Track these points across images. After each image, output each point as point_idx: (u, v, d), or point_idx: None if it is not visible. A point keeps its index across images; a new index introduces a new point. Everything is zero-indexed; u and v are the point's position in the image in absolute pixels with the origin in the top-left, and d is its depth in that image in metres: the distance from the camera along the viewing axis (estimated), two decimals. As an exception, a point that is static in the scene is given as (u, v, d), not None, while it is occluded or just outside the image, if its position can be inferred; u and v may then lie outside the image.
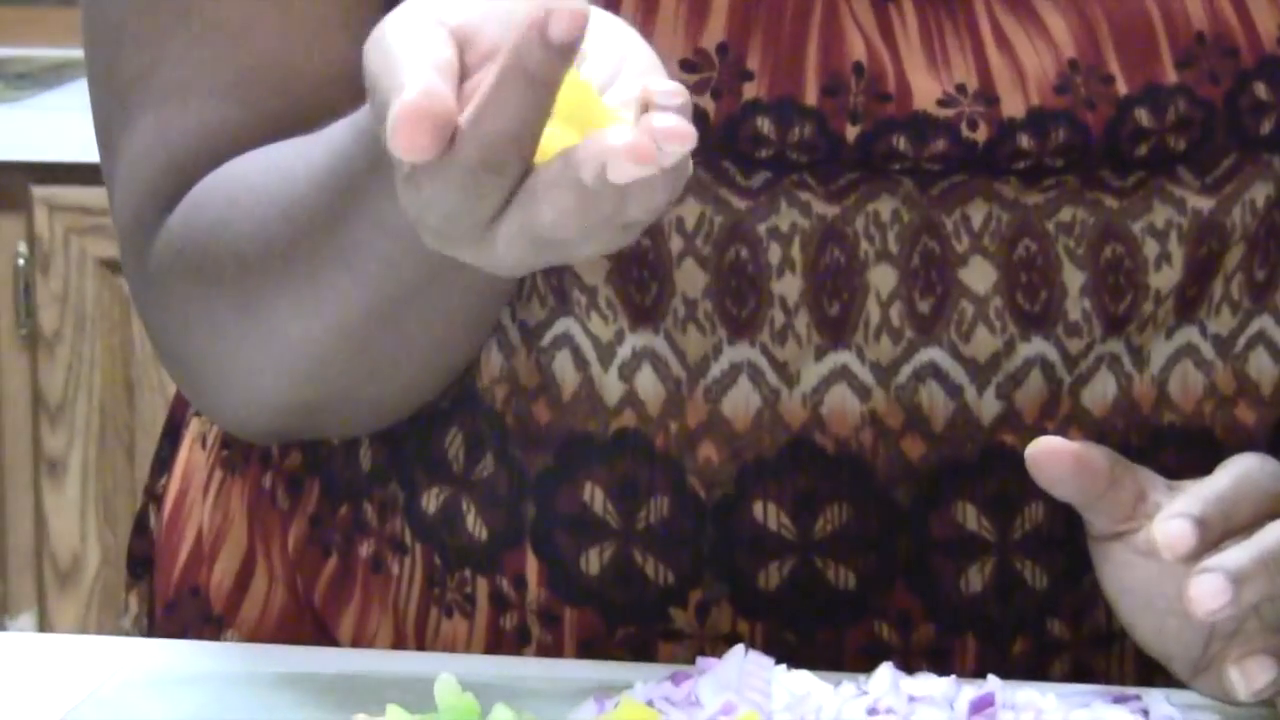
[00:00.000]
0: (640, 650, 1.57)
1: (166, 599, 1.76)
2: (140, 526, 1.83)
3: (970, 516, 1.59)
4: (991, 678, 1.37)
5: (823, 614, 1.57)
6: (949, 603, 1.59)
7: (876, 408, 1.58)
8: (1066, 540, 1.58)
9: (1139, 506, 1.45)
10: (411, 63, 1.20)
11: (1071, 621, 1.60)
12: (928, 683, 1.35)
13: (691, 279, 1.57)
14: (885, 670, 1.35)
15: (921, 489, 1.60)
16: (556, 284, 1.56)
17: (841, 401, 1.58)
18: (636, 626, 1.58)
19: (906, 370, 1.58)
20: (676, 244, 1.56)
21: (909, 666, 1.43)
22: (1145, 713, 1.36)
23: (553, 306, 1.58)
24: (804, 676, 1.33)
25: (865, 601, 1.58)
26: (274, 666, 1.49)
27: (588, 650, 1.57)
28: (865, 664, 1.45)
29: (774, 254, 1.57)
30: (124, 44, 1.64)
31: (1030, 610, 1.59)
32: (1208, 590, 1.31)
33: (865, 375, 1.57)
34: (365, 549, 1.65)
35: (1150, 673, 1.52)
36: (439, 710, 1.26)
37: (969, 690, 1.34)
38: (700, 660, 1.37)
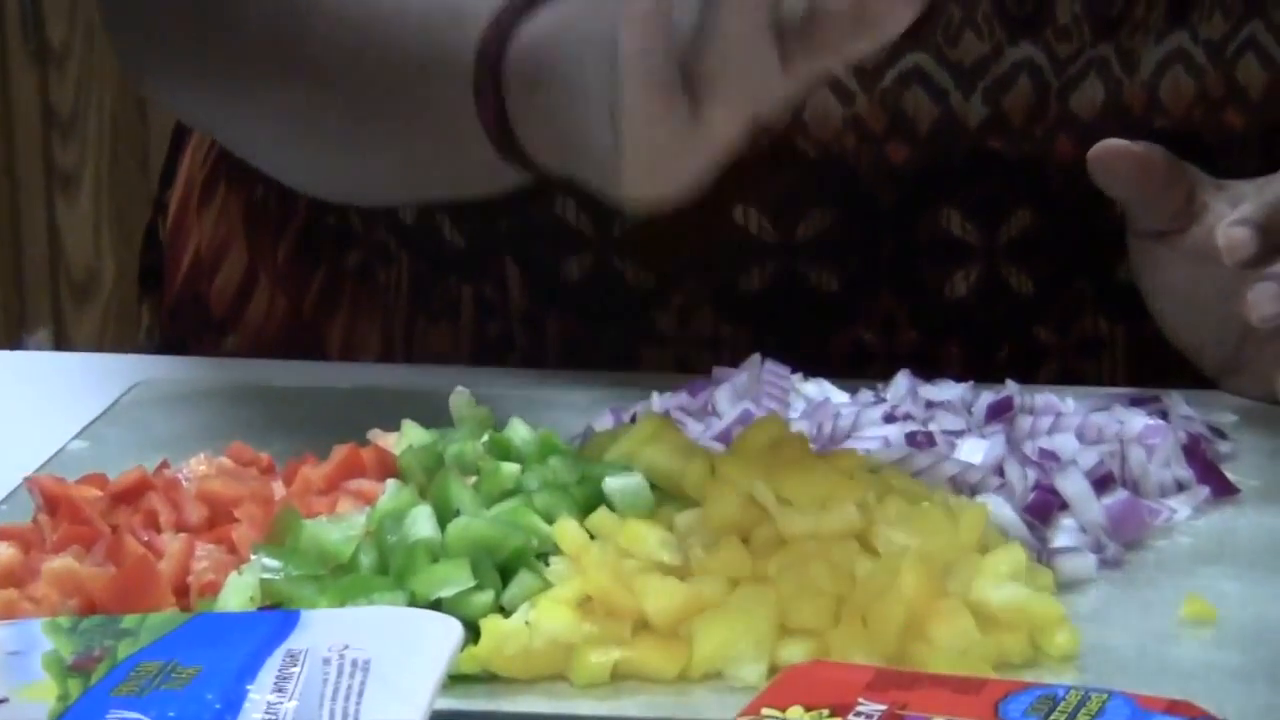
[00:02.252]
0: (623, 356, 1.61)
1: (170, 305, 1.78)
2: (150, 238, 1.85)
3: (955, 222, 1.64)
4: (1010, 382, 1.38)
5: (806, 318, 1.63)
6: (934, 308, 1.64)
7: (860, 112, 1.59)
8: (1054, 246, 1.65)
9: (1188, 207, 1.50)
10: None
11: (1058, 328, 1.66)
12: (945, 388, 1.39)
13: None
14: (902, 377, 1.40)
15: (905, 194, 1.64)
16: None
17: (824, 105, 1.59)
18: (619, 331, 1.63)
19: (891, 74, 1.59)
20: None
21: (891, 372, 1.45)
22: (1164, 414, 1.35)
23: None
24: (821, 384, 1.35)
25: (849, 306, 1.63)
26: (287, 380, 1.51)
27: (572, 357, 1.60)
28: (850, 369, 1.51)
29: None
30: None
31: (1016, 316, 1.65)
32: (1267, 295, 1.35)
33: (848, 80, 1.57)
34: (353, 258, 1.70)
35: (1139, 380, 1.55)
36: (456, 423, 1.27)
37: (987, 395, 1.38)
38: (716, 371, 1.39)
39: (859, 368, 1.54)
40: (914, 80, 1.62)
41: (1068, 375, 1.61)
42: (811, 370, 1.41)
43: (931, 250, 1.64)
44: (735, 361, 1.44)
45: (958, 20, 1.62)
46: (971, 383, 1.39)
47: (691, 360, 1.56)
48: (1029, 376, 1.53)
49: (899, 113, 1.62)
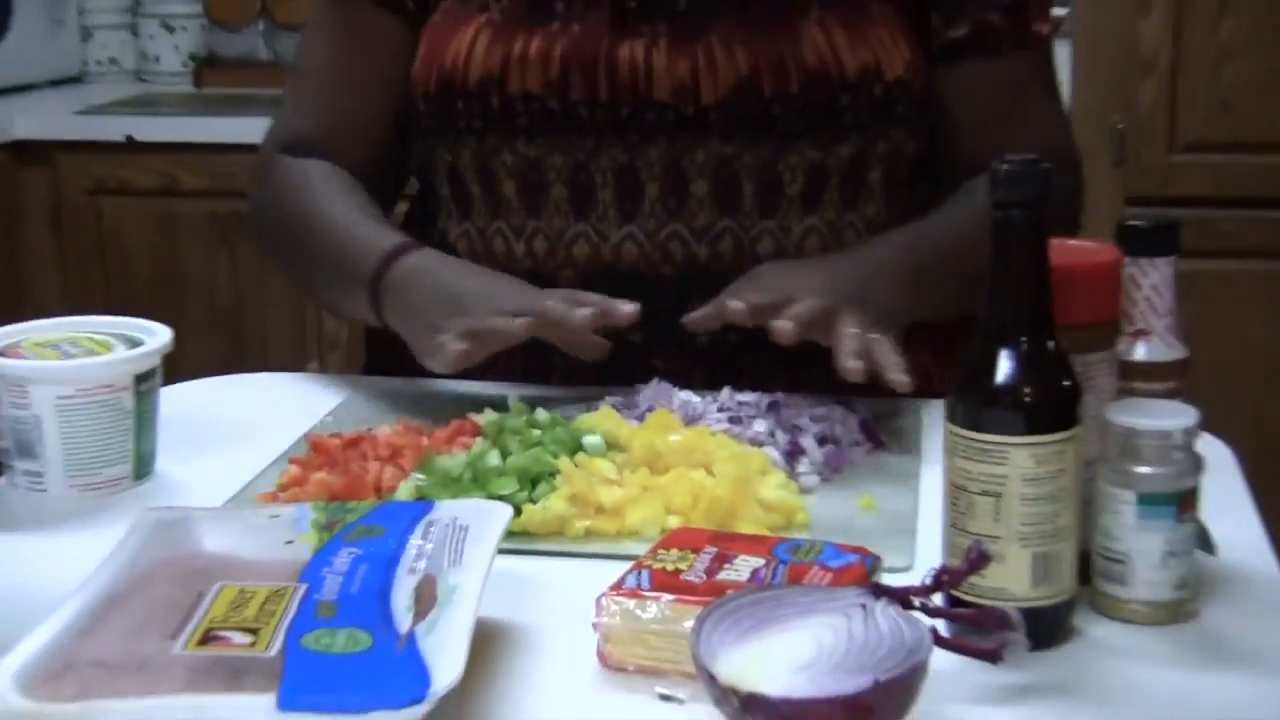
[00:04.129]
0: (600, 379, 1.43)
1: (367, 361, 1.67)
2: None
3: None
4: (780, 393, 1.32)
5: (684, 367, 1.45)
6: (719, 357, 1.46)
7: (645, 251, 1.46)
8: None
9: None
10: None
11: (777, 361, 1.42)
12: (746, 395, 1.32)
13: None
14: (726, 391, 1.32)
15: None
16: None
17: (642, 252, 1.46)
18: (600, 369, 1.42)
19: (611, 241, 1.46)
20: None
21: (719, 386, 1.35)
22: (852, 407, 1.32)
23: None
24: (687, 393, 1.32)
25: (695, 363, 1.46)
26: (429, 389, 1.46)
27: (574, 378, 1.45)
28: (699, 386, 1.37)
29: None
30: (299, 58, 1.63)
31: (762, 357, 1.42)
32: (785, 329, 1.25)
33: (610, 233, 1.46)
34: None
35: (837, 392, 1.36)
36: (511, 411, 1.26)
37: (766, 397, 1.31)
38: (640, 387, 1.34)
39: (702, 386, 1.35)
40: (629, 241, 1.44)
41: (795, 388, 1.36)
42: (682, 385, 1.34)
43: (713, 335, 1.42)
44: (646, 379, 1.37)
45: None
46: (760, 393, 1.31)
47: (629, 379, 1.39)
48: (771, 386, 1.35)
49: (666, 253, 1.45)
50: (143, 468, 1.28)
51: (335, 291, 1.49)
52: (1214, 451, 1.23)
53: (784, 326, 1.26)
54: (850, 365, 1.24)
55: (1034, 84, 1.53)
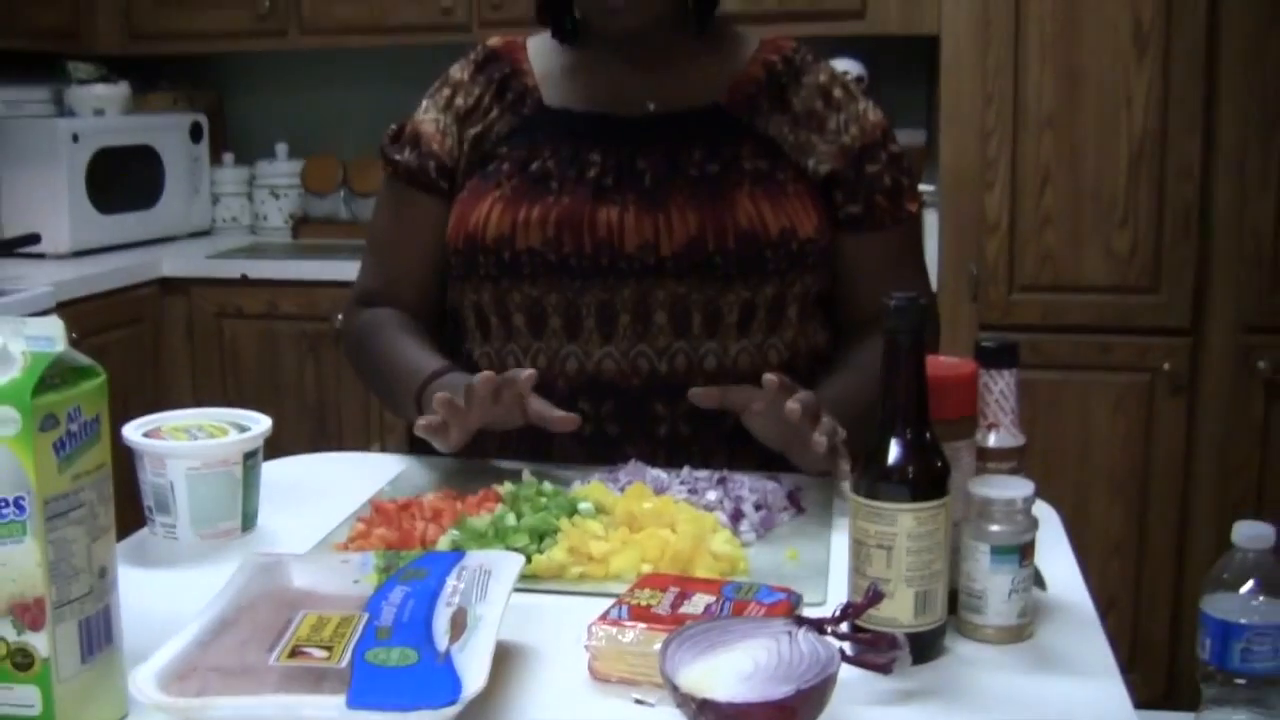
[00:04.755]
0: (594, 459, 1.40)
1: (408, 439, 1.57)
2: None
3: (680, 415, 1.42)
4: (727, 471, 1.30)
5: (652, 450, 1.42)
6: (677, 440, 1.43)
7: (619, 366, 1.42)
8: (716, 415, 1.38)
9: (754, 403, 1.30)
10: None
11: (728, 442, 1.42)
12: (701, 472, 1.30)
13: None
14: (687, 469, 1.31)
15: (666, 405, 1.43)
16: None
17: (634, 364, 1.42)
18: (593, 451, 1.42)
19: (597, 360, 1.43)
20: None
21: (682, 464, 1.33)
22: (779, 481, 1.28)
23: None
24: (656, 470, 1.30)
25: (662, 450, 1.43)
26: (460, 465, 1.42)
27: (571, 458, 1.42)
28: (664, 463, 1.35)
29: None
30: (370, 229, 1.60)
31: (711, 440, 1.42)
32: (795, 409, 1.21)
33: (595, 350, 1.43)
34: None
35: (768, 467, 1.36)
36: (524, 483, 1.24)
37: (716, 474, 1.30)
38: (622, 465, 1.32)
39: (664, 464, 1.33)
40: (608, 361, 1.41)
41: (731, 465, 1.36)
42: (649, 464, 1.32)
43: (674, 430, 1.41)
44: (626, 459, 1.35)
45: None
46: (711, 471, 1.30)
47: (609, 460, 1.37)
48: (714, 463, 1.36)
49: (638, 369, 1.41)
50: (248, 522, 1.27)
51: (394, 401, 1.49)
52: (1045, 513, 1.24)
53: (794, 407, 1.23)
54: (820, 440, 1.23)
55: (906, 250, 1.52)
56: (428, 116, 1.55)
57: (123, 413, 1.05)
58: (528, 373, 1.30)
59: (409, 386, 1.43)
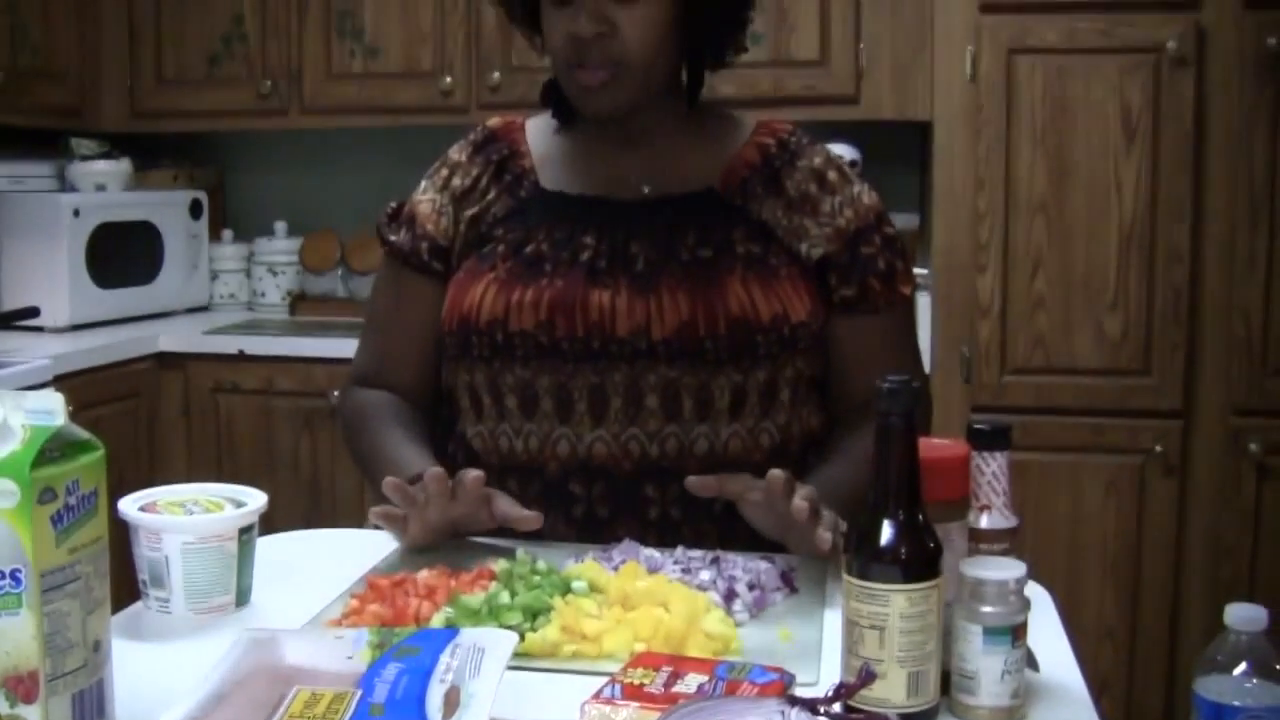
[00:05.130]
0: (587, 539, 1.41)
1: None
2: None
3: (669, 503, 1.43)
4: (720, 551, 1.29)
5: (645, 533, 1.41)
6: (669, 524, 1.43)
7: (610, 452, 1.43)
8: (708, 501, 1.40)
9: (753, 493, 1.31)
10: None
11: (721, 528, 1.42)
12: (694, 552, 1.29)
13: None
14: (680, 549, 1.30)
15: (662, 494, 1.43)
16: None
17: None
18: (587, 534, 1.42)
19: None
20: None
21: (675, 544, 1.33)
22: (773, 561, 1.27)
23: None
24: (649, 549, 1.30)
25: (654, 532, 1.43)
26: (454, 543, 1.40)
27: (566, 538, 1.42)
28: (656, 544, 1.34)
29: None
30: (368, 309, 1.61)
31: (704, 525, 1.42)
32: (802, 508, 1.23)
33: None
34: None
35: (758, 548, 1.35)
36: (518, 560, 1.24)
37: (709, 553, 1.29)
38: (615, 545, 1.31)
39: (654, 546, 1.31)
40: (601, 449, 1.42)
41: (723, 547, 1.32)
42: (645, 543, 1.32)
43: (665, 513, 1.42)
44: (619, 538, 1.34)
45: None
46: (705, 551, 1.28)
47: (600, 541, 1.37)
48: (703, 545, 1.34)
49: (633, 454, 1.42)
50: (243, 597, 1.27)
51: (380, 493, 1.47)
52: (1037, 594, 1.24)
53: (801, 506, 1.24)
54: (824, 537, 1.25)
55: (900, 334, 1.53)
56: (425, 197, 1.57)
57: (118, 486, 1.05)
58: (474, 474, 1.29)
59: (398, 473, 1.40)
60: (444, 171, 1.57)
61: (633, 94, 1.44)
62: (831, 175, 1.52)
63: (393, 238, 1.56)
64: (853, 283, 1.49)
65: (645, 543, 1.35)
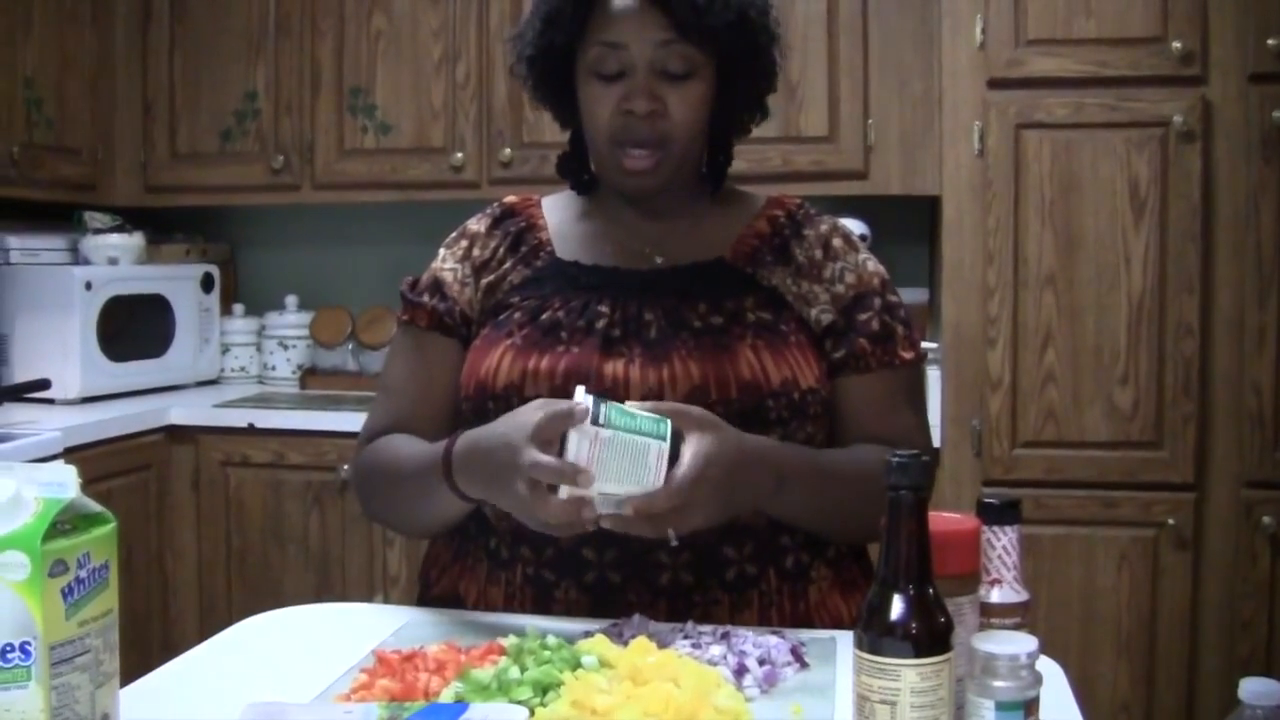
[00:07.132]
0: (597, 612, 1.41)
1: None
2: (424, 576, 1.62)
3: (688, 566, 1.42)
4: (730, 626, 1.30)
5: (655, 605, 1.41)
6: (683, 595, 1.42)
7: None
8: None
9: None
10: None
11: (730, 602, 1.42)
12: (705, 628, 1.30)
13: None
14: (689, 624, 1.31)
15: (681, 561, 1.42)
16: None
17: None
18: (595, 606, 1.42)
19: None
20: None
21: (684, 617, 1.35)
22: (782, 635, 1.28)
23: None
24: (659, 624, 1.31)
25: (664, 602, 1.42)
26: (461, 620, 1.44)
27: (575, 612, 1.42)
28: (668, 619, 1.36)
29: None
30: (383, 374, 1.60)
31: (716, 597, 1.42)
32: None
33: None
34: (498, 574, 1.47)
35: (775, 623, 1.38)
36: (528, 635, 1.23)
37: (720, 628, 1.29)
38: (625, 620, 1.33)
39: (665, 614, 1.37)
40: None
41: (733, 611, 1.39)
42: (649, 613, 1.35)
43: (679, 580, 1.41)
44: (629, 613, 1.36)
45: None
46: (715, 626, 1.30)
47: (611, 608, 1.39)
48: (714, 612, 1.38)
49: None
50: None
51: (426, 500, 1.44)
52: (1050, 669, 1.22)
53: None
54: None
55: (898, 395, 1.51)
56: (446, 266, 1.59)
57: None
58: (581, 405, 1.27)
59: (434, 470, 1.39)
60: (464, 243, 1.60)
61: (671, 172, 1.48)
62: (837, 242, 1.54)
63: (421, 301, 1.57)
64: (842, 345, 1.50)
65: (655, 609, 1.36)
